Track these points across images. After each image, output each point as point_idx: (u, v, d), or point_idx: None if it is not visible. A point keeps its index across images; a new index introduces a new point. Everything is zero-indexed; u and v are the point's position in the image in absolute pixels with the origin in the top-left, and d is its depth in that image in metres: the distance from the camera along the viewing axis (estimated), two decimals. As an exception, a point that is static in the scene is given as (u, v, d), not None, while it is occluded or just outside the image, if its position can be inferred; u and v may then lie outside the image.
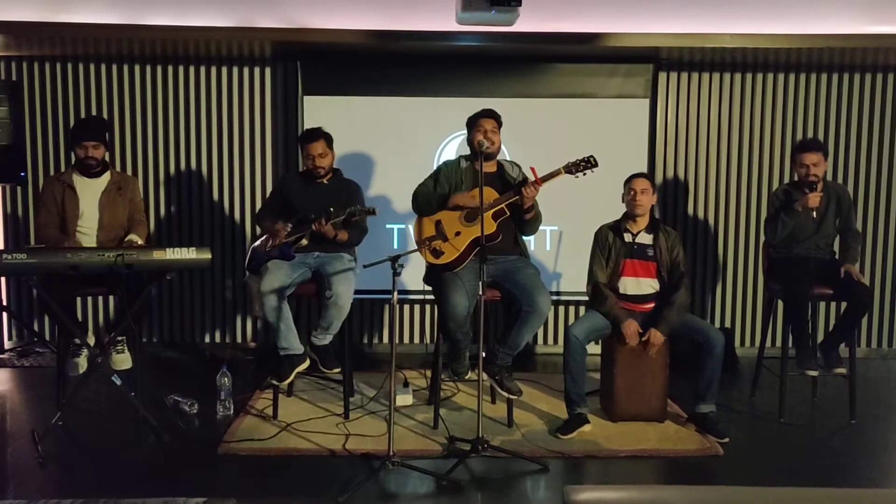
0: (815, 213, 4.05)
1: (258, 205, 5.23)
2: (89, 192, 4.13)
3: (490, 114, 3.87)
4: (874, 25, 4.69)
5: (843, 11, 4.69)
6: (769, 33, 4.66)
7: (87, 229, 4.11)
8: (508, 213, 3.79)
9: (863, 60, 5.11)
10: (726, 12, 4.69)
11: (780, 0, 4.67)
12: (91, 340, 4.26)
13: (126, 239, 4.09)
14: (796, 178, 4.16)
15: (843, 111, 5.32)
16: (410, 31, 4.64)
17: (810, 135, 5.27)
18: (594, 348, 4.11)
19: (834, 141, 5.31)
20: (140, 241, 4.08)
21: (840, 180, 5.27)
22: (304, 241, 3.88)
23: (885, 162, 5.34)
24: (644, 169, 5.00)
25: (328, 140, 4.07)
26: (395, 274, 3.25)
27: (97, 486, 3.20)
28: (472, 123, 3.87)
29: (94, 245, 4.04)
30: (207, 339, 5.44)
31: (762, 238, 4.62)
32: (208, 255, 3.64)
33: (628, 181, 3.96)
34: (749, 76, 5.28)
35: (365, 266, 3.54)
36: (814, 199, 3.96)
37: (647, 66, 5.11)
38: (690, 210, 5.39)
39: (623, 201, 3.98)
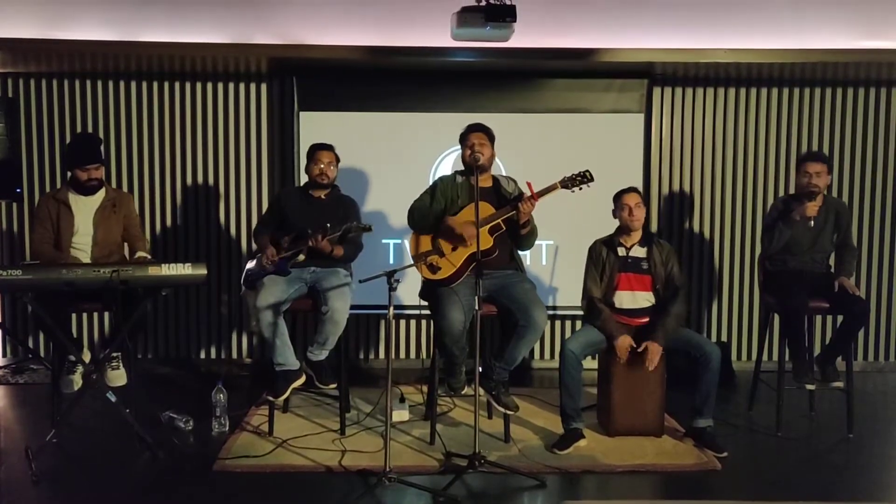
0: (811, 223, 4.07)
1: (254, 221, 5.22)
2: (84, 209, 4.13)
3: (478, 128, 3.88)
4: (867, 40, 4.73)
5: (836, 26, 4.73)
6: (763, 48, 4.70)
7: (82, 245, 4.11)
8: (504, 228, 3.80)
9: (856, 75, 5.15)
10: (720, 27, 4.72)
11: (774, 15, 4.70)
12: (86, 357, 4.24)
13: (136, 256, 4.11)
14: (797, 189, 4.16)
15: (837, 125, 5.34)
16: (406, 46, 4.66)
17: (804, 149, 5.29)
18: (591, 363, 4.11)
19: (828, 154, 5.32)
20: (149, 257, 4.11)
21: (834, 193, 5.29)
22: (302, 257, 3.88)
23: (878, 175, 5.36)
24: (639, 184, 5.00)
25: (337, 157, 4.12)
26: (391, 289, 3.25)
27: (91, 504, 3.18)
28: (462, 140, 3.90)
29: (89, 261, 4.05)
30: (203, 356, 5.41)
31: (758, 251, 4.63)
32: (204, 271, 3.63)
33: (619, 197, 3.97)
34: (743, 91, 5.31)
35: (361, 281, 3.55)
36: (811, 207, 3.98)
37: (642, 82, 5.13)
38: (686, 224, 5.40)
39: (614, 217, 3.99)
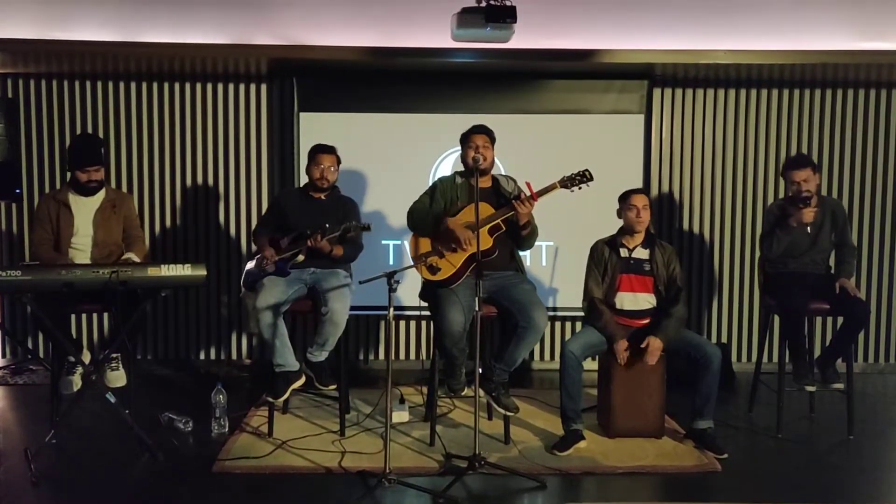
0: (809, 228, 4.07)
1: (254, 221, 5.22)
2: (84, 209, 4.13)
3: (482, 129, 3.88)
4: (866, 42, 4.73)
5: (836, 28, 4.73)
6: (762, 49, 4.70)
7: (82, 246, 4.11)
8: (504, 229, 3.79)
9: (855, 76, 5.15)
10: (720, 29, 4.72)
11: (774, 16, 4.70)
12: (86, 358, 4.23)
13: (122, 257, 4.09)
14: (790, 195, 4.17)
15: (837, 126, 5.34)
16: (406, 47, 4.66)
17: (804, 150, 5.30)
18: (591, 364, 4.10)
19: (828, 156, 5.33)
20: (137, 259, 4.08)
21: (834, 195, 5.29)
22: (301, 258, 3.87)
23: (878, 176, 5.36)
24: (639, 184, 5.01)
25: (338, 159, 4.12)
26: (391, 290, 3.25)
27: (90, 506, 3.17)
28: (465, 140, 3.89)
29: (88, 262, 4.04)
30: (202, 357, 5.41)
31: (758, 253, 4.63)
32: (203, 272, 3.63)
33: (627, 197, 3.96)
34: (743, 92, 5.31)
35: (361, 282, 3.55)
36: (808, 214, 3.97)
37: (642, 83, 5.13)
38: (686, 225, 5.40)
39: (619, 216, 3.99)
